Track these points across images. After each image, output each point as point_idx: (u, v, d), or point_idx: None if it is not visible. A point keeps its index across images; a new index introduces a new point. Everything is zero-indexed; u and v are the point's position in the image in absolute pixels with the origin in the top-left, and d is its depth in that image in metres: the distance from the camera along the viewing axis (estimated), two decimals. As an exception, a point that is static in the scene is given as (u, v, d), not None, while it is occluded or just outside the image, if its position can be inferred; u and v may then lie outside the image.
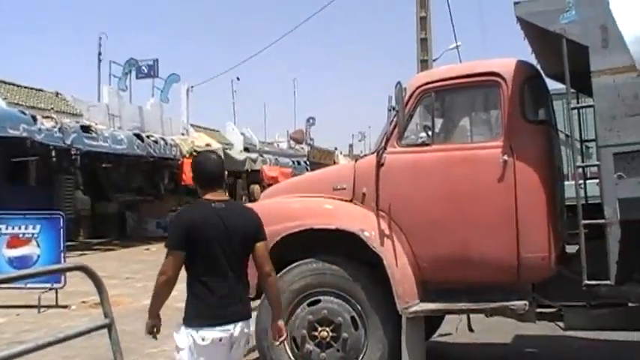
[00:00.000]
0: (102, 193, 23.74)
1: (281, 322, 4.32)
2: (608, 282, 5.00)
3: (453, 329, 7.28)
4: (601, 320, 5.62)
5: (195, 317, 4.02)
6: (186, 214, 4.21)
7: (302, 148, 41.42)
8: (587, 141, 6.49)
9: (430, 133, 5.78)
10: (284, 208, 6.07)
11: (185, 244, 3.94)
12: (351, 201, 5.85)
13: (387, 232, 5.62)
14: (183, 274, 4.13)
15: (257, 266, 4.20)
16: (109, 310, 5.71)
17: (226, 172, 20.96)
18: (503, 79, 5.54)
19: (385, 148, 5.73)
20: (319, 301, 5.72)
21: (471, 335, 6.78)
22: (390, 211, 5.66)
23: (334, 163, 41.02)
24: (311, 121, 48.96)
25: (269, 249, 5.56)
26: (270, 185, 22.73)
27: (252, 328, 4.81)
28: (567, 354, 7.03)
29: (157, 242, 21.04)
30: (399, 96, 5.46)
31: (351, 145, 65.36)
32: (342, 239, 5.67)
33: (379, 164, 5.75)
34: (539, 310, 5.72)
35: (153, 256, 17.80)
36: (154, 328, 4.39)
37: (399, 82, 5.48)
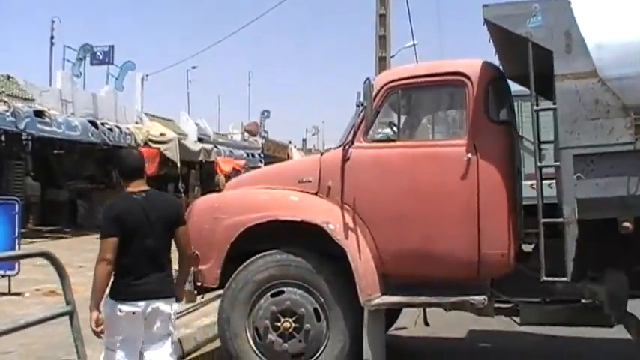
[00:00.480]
0: (53, 180, 23.31)
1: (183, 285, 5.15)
2: (564, 279, 5.19)
3: (410, 323, 7.41)
4: (555, 315, 5.83)
5: (117, 292, 4.61)
6: (114, 206, 4.70)
7: (256, 140, 41.28)
8: (543, 142, 6.68)
9: (396, 129, 5.89)
10: (250, 199, 6.12)
11: (115, 231, 4.48)
12: (316, 194, 5.92)
13: (351, 225, 5.71)
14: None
15: (179, 249, 4.73)
16: (72, 297, 5.67)
17: (179, 163, 20.86)
18: (469, 79, 5.67)
19: (352, 143, 5.82)
20: (282, 292, 5.78)
21: (427, 329, 6.93)
22: (354, 205, 5.75)
23: (288, 157, 41.04)
24: (265, 114, 48.85)
25: (231, 238, 5.69)
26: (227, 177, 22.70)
27: (175, 307, 5.07)
28: (520, 348, 7.24)
29: (108, 231, 20.80)
30: (368, 92, 5.55)
31: (304, 140, 65.64)
32: (307, 231, 5.74)
33: (345, 158, 5.83)
34: (496, 305, 5.91)
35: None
36: (99, 322, 4.73)
37: (368, 79, 5.58)
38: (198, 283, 6.07)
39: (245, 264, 5.87)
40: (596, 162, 5.07)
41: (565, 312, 5.80)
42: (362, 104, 5.67)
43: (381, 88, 5.87)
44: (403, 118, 5.96)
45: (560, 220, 5.21)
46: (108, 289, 4.67)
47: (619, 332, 6.09)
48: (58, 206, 22.98)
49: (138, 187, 4.67)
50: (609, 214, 5.15)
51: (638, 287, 5.50)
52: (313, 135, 70.34)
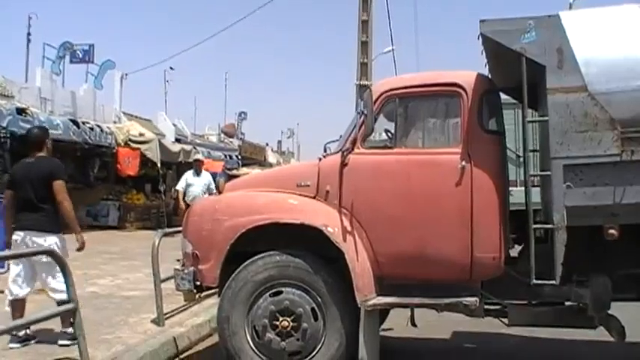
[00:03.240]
0: (31, 178, 23.17)
1: (80, 236, 7.31)
2: (553, 282, 5.46)
3: (393, 326, 7.64)
4: (542, 317, 6.10)
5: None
6: (12, 169, 7.17)
7: (231, 142, 41.29)
8: (532, 151, 6.97)
9: (393, 136, 6.12)
10: (250, 201, 6.30)
11: (9, 185, 7.01)
12: (314, 197, 6.12)
13: (349, 228, 5.92)
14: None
15: (55, 197, 6.79)
16: (74, 295, 5.82)
17: (159, 163, 20.82)
18: (465, 90, 5.93)
19: (352, 149, 6.04)
20: (281, 292, 5.96)
21: (414, 330, 7.16)
22: (352, 208, 5.97)
23: (264, 158, 41.19)
24: (242, 115, 48.83)
25: (231, 240, 5.90)
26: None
27: (50, 240, 6.79)
28: (504, 349, 7.51)
29: (86, 230, 20.74)
30: (369, 100, 5.77)
31: (279, 142, 65.75)
32: (305, 234, 5.94)
33: (343, 164, 6.04)
34: (485, 306, 6.16)
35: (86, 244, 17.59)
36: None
37: (368, 87, 5.83)
38: (198, 283, 6.25)
39: (245, 264, 6.04)
40: (584, 172, 5.35)
41: (551, 314, 6.06)
42: (362, 112, 5.89)
43: (379, 96, 6.08)
44: (400, 126, 6.17)
45: (551, 226, 5.49)
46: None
47: (600, 334, 6.37)
48: (36, 204, 22.83)
49: (33, 155, 6.94)
50: (596, 222, 5.44)
51: (621, 291, 5.80)
52: (288, 137, 70.56)
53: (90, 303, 8.98)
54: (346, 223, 5.93)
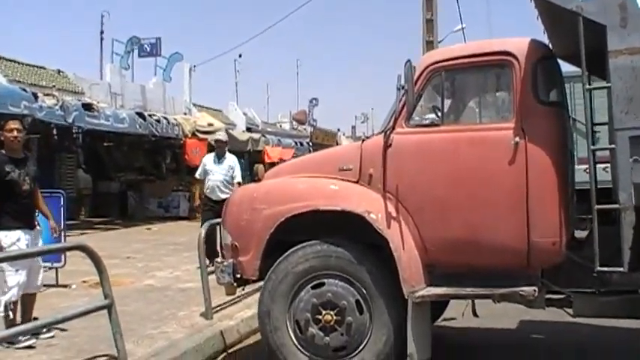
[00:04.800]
0: (104, 172, 23.67)
1: (52, 222, 7.07)
2: (621, 269, 4.88)
3: (457, 314, 7.17)
4: (611, 308, 5.51)
5: None
6: None
7: (304, 129, 41.22)
8: (597, 124, 6.34)
9: (440, 113, 5.63)
10: (289, 188, 5.95)
11: None
12: (357, 182, 5.71)
13: (393, 214, 5.49)
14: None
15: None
16: (109, 290, 5.63)
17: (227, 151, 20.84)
18: (516, 58, 5.37)
19: (393, 128, 5.59)
20: (323, 284, 5.59)
21: (475, 320, 6.68)
22: (397, 193, 5.53)
23: (337, 144, 40.82)
24: (314, 102, 48.73)
25: (270, 229, 5.51)
26: (272, 165, 22.64)
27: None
28: (574, 340, 6.93)
29: (158, 222, 21.04)
30: (409, 75, 5.30)
31: (353, 127, 65.31)
32: (348, 221, 5.54)
33: (387, 145, 5.60)
34: (547, 296, 5.62)
35: (154, 235, 17.76)
36: None
37: (408, 60, 5.33)
38: (238, 275, 5.95)
39: (285, 255, 5.70)
40: None
41: (621, 304, 5.46)
42: (403, 88, 5.43)
43: (424, 70, 5.61)
44: (447, 102, 5.70)
45: (616, 206, 4.90)
46: None
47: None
48: (109, 198, 23.36)
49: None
50: (669, 200, 4.81)
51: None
52: (362, 122, 69.88)
53: (143, 296, 8.87)
54: (391, 209, 5.50)
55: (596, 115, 6.47)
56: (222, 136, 12.32)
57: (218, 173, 11.06)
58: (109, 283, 5.63)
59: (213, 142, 21.64)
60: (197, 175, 11.62)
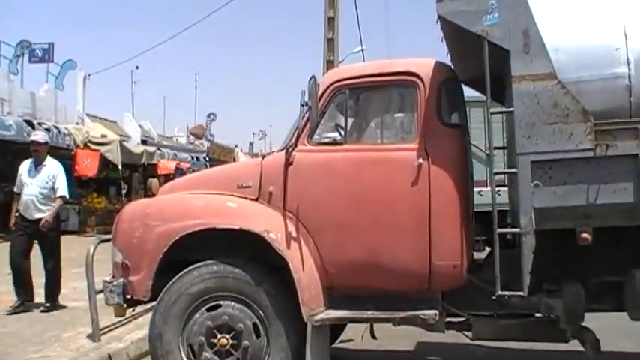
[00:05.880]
0: (-14, 181, 22.32)
1: None
2: (520, 293, 4.88)
3: (355, 335, 7.06)
4: (509, 330, 5.53)
5: None
6: None
7: (202, 144, 40.59)
8: (500, 148, 6.41)
9: (343, 132, 5.52)
10: (184, 204, 5.67)
11: None
12: (256, 200, 5.50)
13: (293, 234, 5.31)
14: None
15: None
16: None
17: (120, 165, 20.08)
18: (421, 79, 5.34)
19: (295, 146, 5.42)
20: (219, 305, 5.34)
21: (374, 342, 6.57)
22: (297, 212, 5.36)
23: (234, 160, 40.45)
24: (212, 116, 48.15)
25: (163, 247, 5.24)
26: (167, 178, 22.07)
27: None
28: (470, 362, 6.94)
29: (45, 236, 19.99)
30: (313, 91, 5.16)
31: (251, 144, 65.13)
32: (246, 241, 5.32)
33: (288, 162, 5.43)
34: (447, 319, 5.58)
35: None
36: None
37: (313, 76, 5.18)
38: (128, 296, 5.60)
39: (179, 275, 5.41)
40: (554, 169, 4.78)
41: (519, 327, 5.49)
42: (306, 104, 5.28)
43: (327, 87, 5.49)
44: (350, 120, 5.58)
45: (517, 230, 4.90)
46: None
47: (572, 345, 5.81)
48: (-8, 209, 21.99)
49: None
50: (568, 225, 4.86)
51: (596, 301, 5.25)
52: (260, 139, 69.82)
53: (25, 316, 8.31)
54: (291, 229, 5.32)
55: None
56: (39, 136, 9.55)
57: (34, 185, 8.78)
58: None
59: (105, 154, 21.24)
60: (15, 189, 9.19)
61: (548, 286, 5.19)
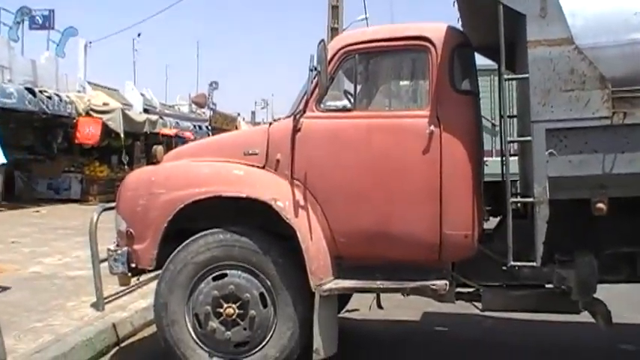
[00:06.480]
0: (-12, 149, 22.20)
1: None
2: (533, 264, 4.78)
3: (361, 305, 7.00)
4: (520, 302, 5.45)
5: None
6: None
7: (204, 112, 40.32)
8: (510, 117, 6.27)
9: (352, 98, 5.38)
10: (190, 172, 5.56)
11: None
12: (263, 168, 5.39)
13: (301, 202, 5.20)
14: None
15: None
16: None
17: (123, 134, 19.95)
18: (433, 44, 5.18)
19: (304, 112, 5.30)
20: (225, 275, 5.25)
21: (380, 312, 6.51)
22: (305, 180, 5.25)
23: (236, 129, 40.25)
24: (214, 85, 47.84)
25: (168, 216, 5.16)
26: (170, 145, 21.91)
27: None
28: (477, 331, 6.89)
29: (47, 204, 19.97)
30: (322, 56, 5.01)
31: (253, 112, 64.86)
32: (253, 209, 5.22)
33: (296, 129, 5.31)
34: (457, 289, 5.49)
35: (43, 219, 16.78)
36: None
37: (322, 40, 5.03)
38: (133, 265, 5.52)
39: (184, 244, 5.32)
40: (570, 137, 4.63)
41: (530, 298, 5.40)
42: (315, 69, 5.13)
43: (337, 52, 5.34)
44: (360, 86, 5.44)
45: (531, 199, 4.79)
46: None
47: (582, 316, 5.73)
48: (-6, 177, 21.91)
49: None
50: (583, 194, 4.74)
51: (608, 272, 5.16)
52: (262, 108, 69.55)
53: (28, 285, 8.26)
54: (299, 197, 5.21)
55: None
56: None
57: None
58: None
59: (107, 123, 21.06)
60: None
61: (561, 257, 5.09)
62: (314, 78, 5.23)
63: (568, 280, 5.08)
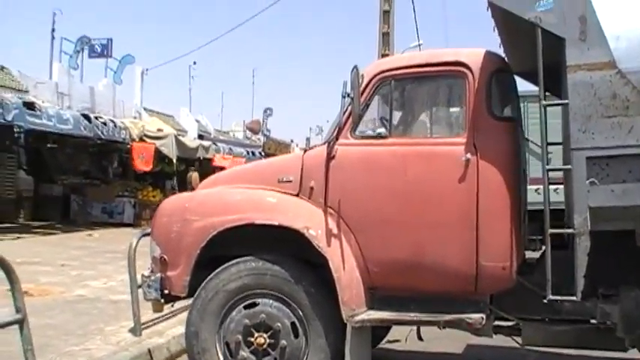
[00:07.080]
0: (46, 174, 22.77)
1: None
2: (573, 297, 4.57)
3: (401, 335, 6.81)
4: (562, 337, 5.22)
5: None
6: None
7: (258, 138, 40.70)
8: (550, 144, 6.07)
9: (387, 125, 5.28)
10: (223, 199, 5.53)
11: None
12: (297, 195, 5.32)
13: (334, 231, 5.11)
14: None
15: None
16: (22, 304, 5.10)
17: (175, 159, 20.19)
18: (470, 69, 5.06)
19: (337, 139, 5.22)
20: (257, 304, 5.19)
21: (420, 344, 6.33)
22: (339, 208, 5.16)
23: (290, 155, 40.43)
24: (268, 112, 48.18)
25: (201, 242, 5.11)
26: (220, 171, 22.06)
27: None
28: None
29: (101, 228, 20.29)
30: (355, 82, 4.94)
31: (308, 139, 64.72)
32: (286, 237, 5.15)
33: (330, 156, 5.24)
34: (495, 323, 5.30)
35: (95, 242, 17.03)
36: None
37: (355, 67, 4.96)
38: (166, 291, 5.49)
39: (216, 272, 5.28)
40: (612, 165, 4.45)
41: (572, 333, 5.18)
42: (348, 95, 5.06)
43: (372, 78, 5.27)
44: (395, 113, 5.35)
45: (571, 230, 4.59)
46: None
47: (634, 353, 5.46)
48: (51, 201, 22.44)
49: None
50: (626, 226, 4.52)
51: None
52: (317, 135, 69.59)
53: (71, 308, 8.31)
54: (332, 225, 5.12)
55: (550, 135, 6.18)
56: None
57: None
58: (21, 294, 5.11)
59: (160, 148, 21.37)
60: None
61: (605, 291, 4.86)
62: (348, 105, 5.15)
63: (612, 316, 4.85)
